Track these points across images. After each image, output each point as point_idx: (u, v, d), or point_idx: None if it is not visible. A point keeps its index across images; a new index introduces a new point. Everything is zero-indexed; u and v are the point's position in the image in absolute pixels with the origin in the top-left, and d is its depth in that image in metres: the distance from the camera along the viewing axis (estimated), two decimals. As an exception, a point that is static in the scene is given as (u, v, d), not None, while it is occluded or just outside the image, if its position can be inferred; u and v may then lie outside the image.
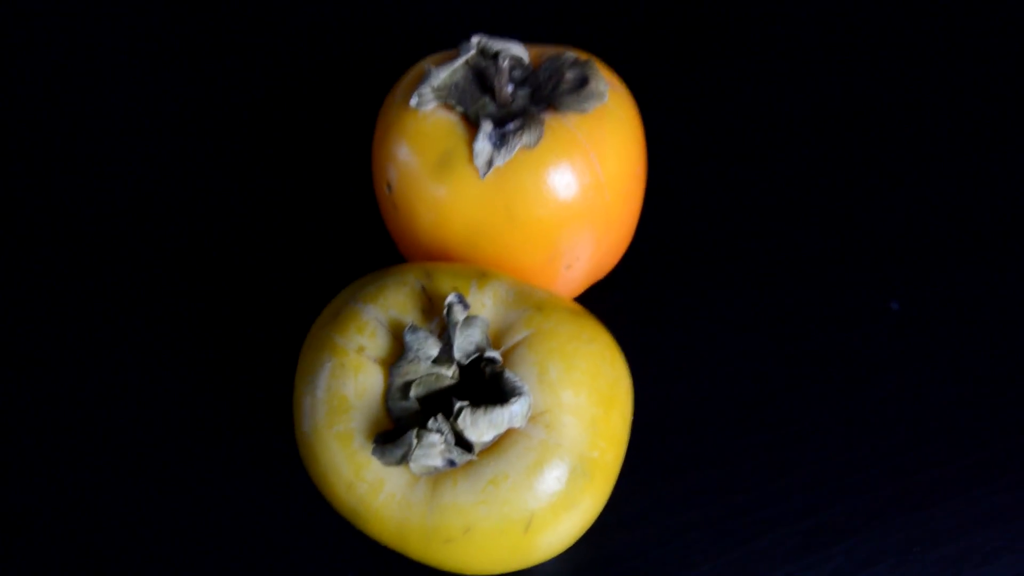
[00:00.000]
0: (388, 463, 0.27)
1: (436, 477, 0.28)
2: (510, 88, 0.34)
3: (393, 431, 0.28)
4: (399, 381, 0.28)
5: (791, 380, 0.39)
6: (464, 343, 0.28)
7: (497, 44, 0.34)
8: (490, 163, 0.32)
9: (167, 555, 0.35)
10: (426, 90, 0.34)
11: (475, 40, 0.34)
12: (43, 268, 0.43)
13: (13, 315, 0.41)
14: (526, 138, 0.32)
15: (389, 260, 0.39)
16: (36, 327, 0.41)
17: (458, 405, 0.27)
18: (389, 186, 0.35)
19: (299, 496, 0.36)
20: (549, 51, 0.36)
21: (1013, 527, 0.36)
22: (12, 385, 0.39)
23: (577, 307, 0.31)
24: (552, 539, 0.29)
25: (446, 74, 0.34)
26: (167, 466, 0.37)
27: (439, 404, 0.28)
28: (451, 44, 0.37)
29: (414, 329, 0.28)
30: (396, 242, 0.38)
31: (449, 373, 0.29)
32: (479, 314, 0.29)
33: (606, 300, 0.40)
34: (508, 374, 0.28)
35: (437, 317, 0.29)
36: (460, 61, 0.34)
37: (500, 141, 0.32)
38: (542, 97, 0.34)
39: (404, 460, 0.27)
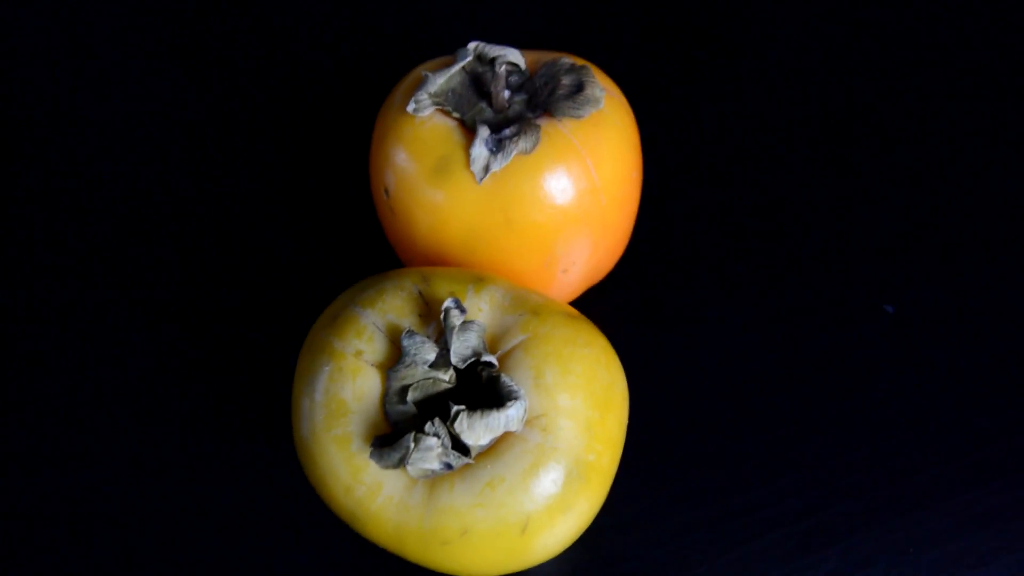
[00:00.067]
0: (386, 466, 0.28)
1: (433, 480, 0.28)
2: (507, 94, 0.35)
3: (391, 435, 0.28)
4: (396, 385, 0.29)
5: (786, 382, 0.39)
6: (461, 347, 0.28)
7: (494, 50, 0.34)
8: (487, 168, 0.33)
9: (166, 557, 0.35)
10: (423, 96, 0.34)
11: (472, 46, 0.35)
12: (43, 269, 0.43)
13: (13, 315, 0.41)
14: (523, 144, 0.33)
15: (387, 265, 0.39)
16: (36, 328, 0.41)
17: (455, 409, 0.27)
18: (387, 191, 0.35)
19: (297, 499, 0.36)
20: (545, 57, 0.36)
21: (1009, 528, 0.36)
22: (12, 385, 0.40)
23: (573, 311, 0.32)
24: (549, 541, 0.29)
25: (443, 80, 0.34)
26: (166, 469, 0.37)
27: (436, 408, 0.29)
28: (448, 50, 0.37)
29: (411, 334, 0.29)
30: (394, 247, 0.38)
31: (446, 377, 0.29)
32: (476, 319, 0.30)
33: (602, 304, 0.40)
34: (504, 378, 0.28)
35: (434, 321, 0.29)
36: (457, 67, 0.34)
37: (497, 147, 0.33)
38: (538, 103, 0.34)
39: (402, 463, 0.27)
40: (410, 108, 0.34)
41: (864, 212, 0.44)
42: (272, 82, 0.49)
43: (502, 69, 0.33)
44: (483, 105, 0.34)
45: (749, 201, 0.44)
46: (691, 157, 0.46)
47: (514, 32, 0.50)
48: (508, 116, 0.34)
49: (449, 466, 0.27)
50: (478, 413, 0.27)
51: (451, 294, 0.30)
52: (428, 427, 0.27)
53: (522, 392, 0.28)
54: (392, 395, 0.29)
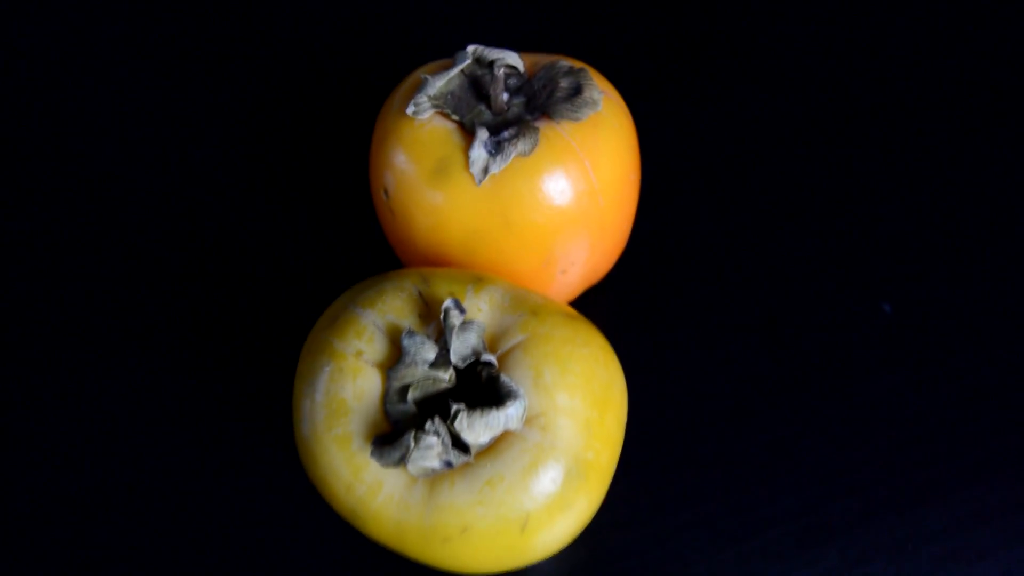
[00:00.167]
0: (386, 465, 0.28)
1: (434, 478, 0.28)
2: (505, 97, 0.35)
3: (391, 434, 0.28)
4: (397, 384, 0.29)
5: (784, 382, 0.39)
6: (460, 347, 0.29)
7: (492, 53, 0.35)
8: (486, 170, 0.33)
9: (168, 557, 0.36)
10: (422, 99, 0.34)
11: (471, 49, 0.35)
12: (43, 271, 0.43)
13: (13, 316, 0.42)
14: (521, 146, 0.33)
15: (387, 266, 0.39)
16: (36, 330, 0.41)
17: (455, 408, 0.27)
18: (386, 193, 0.35)
19: (299, 498, 0.36)
20: (544, 60, 0.36)
21: (1005, 526, 0.36)
22: (12, 385, 0.40)
23: (572, 311, 0.32)
24: (548, 539, 0.29)
25: (442, 83, 0.34)
26: (167, 469, 0.38)
27: (436, 407, 0.29)
28: (447, 53, 0.37)
29: (411, 333, 0.29)
30: (393, 248, 0.38)
31: (446, 377, 0.29)
32: (475, 319, 0.30)
33: (601, 304, 0.40)
34: (504, 377, 0.28)
35: (434, 322, 0.30)
36: (456, 70, 0.35)
37: (496, 149, 0.33)
38: (537, 105, 0.35)
39: (402, 462, 0.27)
40: (409, 111, 0.34)
41: (862, 212, 0.44)
42: (272, 84, 0.49)
43: (501, 72, 0.34)
44: (482, 108, 0.35)
45: (746, 202, 0.44)
46: (689, 158, 0.46)
47: (512, 35, 0.50)
48: (507, 118, 0.34)
49: (449, 464, 0.28)
50: (478, 412, 0.27)
51: (451, 294, 0.30)
52: (428, 426, 0.27)
53: (521, 391, 0.28)
54: (392, 394, 0.29)
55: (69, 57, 0.51)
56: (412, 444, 0.27)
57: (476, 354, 0.29)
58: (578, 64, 0.36)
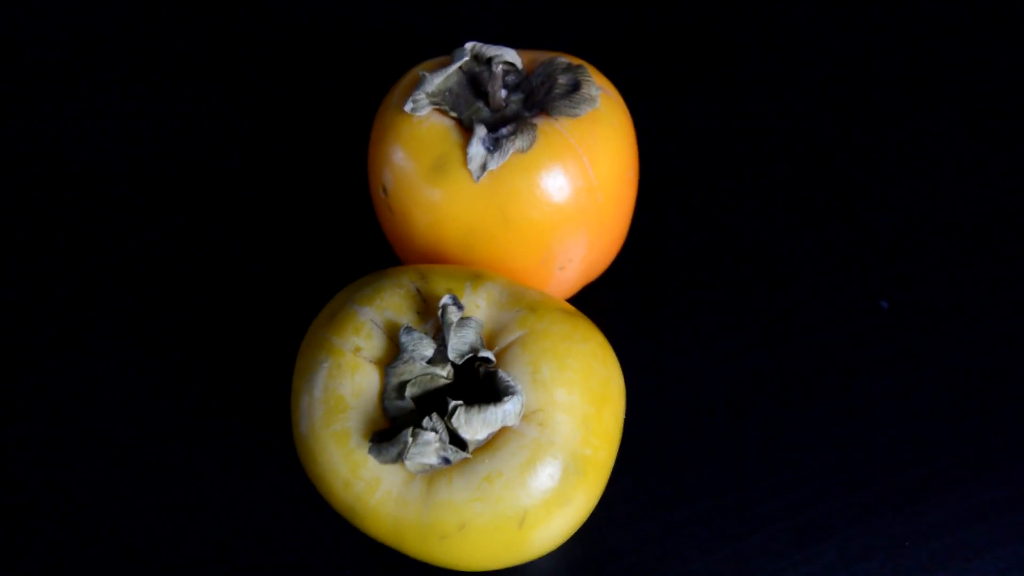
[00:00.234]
0: (384, 461, 0.28)
1: (431, 475, 0.28)
2: (503, 93, 0.35)
3: (389, 430, 0.28)
4: (395, 381, 0.29)
5: (782, 378, 0.39)
6: (458, 343, 0.29)
7: (490, 50, 0.35)
8: (484, 167, 0.33)
9: (165, 553, 0.36)
10: (421, 95, 0.34)
11: (469, 46, 0.35)
12: (41, 270, 0.43)
13: (12, 316, 0.42)
14: (519, 142, 0.33)
15: (385, 263, 0.39)
16: (35, 329, 0.41)
17: (452, 404, 0.27)
18: (385, 190, 0.35)
19: (297, 494, 0.36)
20: (542, 57, 0.36)
21: (1003, 522, 0.36)
22: (11, 385, 0.40)
23: (570, 308, 0.32)
24: (546, 535, 0.29)
25: (440, 80, 0.34)
26: (165, 465, 0.38)
27: (434, 403, 0.29)
28: (445, 50, 0.37)
29: (409, 330, 0.29)
30: (392, 245, 0.38)
31: (444, 373, 0.29)
32: (473, 315, 0.30)
33: (599, 301, 0.40)
34: (501, 373, 0.28)
35: (432, 318, 0.30)
36: (454, 67, 0.35)
37: (494, 145, 0.33)
38: (535, 102, 0.35)
39: (400, 458, 0.27)
40: (408, 108, 0.34)
41: (860, 208, 0.44)
42: (271, 81, 0.49)
43: (499, 69, 0.34)
44: (480, 104, 0.35)
45: (744, 198, 0.45)
46: (687, 155, 0.46)
47: (510, 32, 0.50)
48: (505, 115, 0.34)
49: (447, 461, 0.28)
50: (475, 408, 0.27)
51: (448, 291, 0.30)
52: (426, 422, 0.27)
53: (519, 387, 0.28)
54: (390, 391, 0.29)
55: (68, 56, 0.51)
56: (410, 440, 0.27)
57: (474, 350, 0.29)
58: (576, 61, 0.36)
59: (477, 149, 0.33)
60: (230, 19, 0.52)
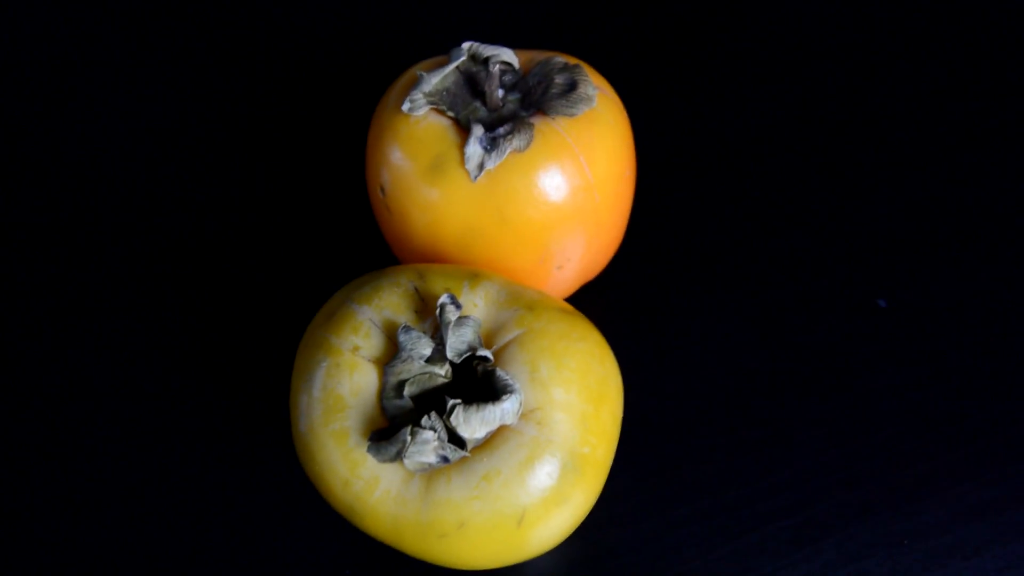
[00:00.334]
0: (383, 460, 0.28)
1: (430, 474, 0.28)
2: (500, 93, 0.35)
3: (388, 429, 0.28)
4: (393, 380, 0.29)
5: (780, 377, 0.39)
6: (456, 342, 0.29)
7: (488, 50, 0.35)
8: (481, 166, 0.33)
9: (165, 552, 0.36)
10: (418, 95, 0.34)
11: (466, 46, 0.35)
12: (40, 270, 0.43)
13: (11, 315, 0.42)
14: (516, 142, 0.33)
15: (383, 262, 0.39)
16: (34, 329, 0.41)
17: (451, 403, 0.27)
18: (382, 189, 0.35)
19: (296, 493, 0.36)
20: (539, 56, 0.36)
21: (1000, 520, 0.36)
22: (9, 385, 0.40)
23: (568, 307, 0.32)
24: (545, 534, 0.29)
25: (437, 79, 0.34)
26: (165, 465, 0.38)
27: (433, 402, 0.29)
28: (442, 50, 0.37)
29: (407, 329, 0.29)
30: (390, 244, 0.38)
31: (442, 372, 0.29)
32: (471, 314, 0.30)
33: (597, 300, 0.40)
34: (500, 372, 0.28)
35: (430, 317, 0.30)
36: (451, 67, 0.35)
37: (491, 145, 0.33)
38: (532, 102, 0.35)
39: (399, 457, 0.27)
40: (405, 107, 0.34)
41: (856, 207, 0.44)
42: (268, 82, 0.50)
43: (496, 68, 0.34)
44: (477, 104, 0.35)
45: (741, 197, 0.45)
46: (684, 154, 0.46)
47: (507, 32, 0.50)
48: (502, 115, 0.34)
49: (445, 459, 0.28)
50: (474, 407, 0.27)
51: (447, 290, 0.30)
52: (424, 421, 0.27)
53: (517, 386, 0.28)
54: (389, 390, 0.29)
55: (68, 57, 0.51)
56: (408, 439, 0.27)
57: (472, 349, 0.29)
58: (573, 60, 0.36)
59: (474, 149, 0.33)
60: (227, 19, 0.52)
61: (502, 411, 0.28)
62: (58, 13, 0.52)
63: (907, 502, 0.36)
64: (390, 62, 0.48)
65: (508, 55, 0.35)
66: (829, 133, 0.47)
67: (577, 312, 0.32)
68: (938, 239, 0.43)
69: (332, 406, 0.29)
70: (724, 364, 0.39)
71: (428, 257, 0.35)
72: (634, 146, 0.37)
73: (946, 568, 0.35)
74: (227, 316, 0.41)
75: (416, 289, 0.30)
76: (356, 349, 0.29)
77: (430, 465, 0.28)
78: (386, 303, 0.30)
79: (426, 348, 0.29)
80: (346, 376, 0.29)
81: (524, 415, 0.28)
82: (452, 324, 0.28)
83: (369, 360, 0.29)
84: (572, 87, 0.34)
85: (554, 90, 0.34)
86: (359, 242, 0.43)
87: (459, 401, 0.27)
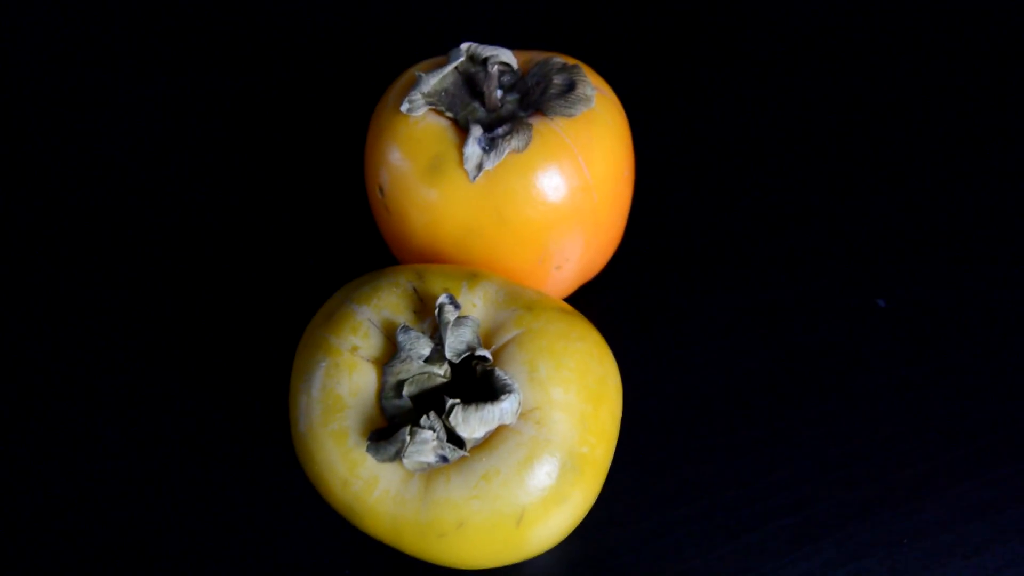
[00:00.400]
0: (382, 460, 0.28)
1: (429, 473, 0.28)
2: (499, 93, 0.35)
3: (387, 429, 0.28)
4: (392, 380, 0.29)
5: (779, 377, 0.39)
6: (455, 342, 0.29)
7: (486, 50, 0.35)
8: (480, 167, 0.33)
9: (164, 553, 0.36)
10: (417, 96, 0.34)
11: (464, 47, 0.35)
12: (39, 270, 0.43)
13: (11, 315, 0.42)
14: (515, 142, 0.33)
15: (382, 263, 0.39)
16: (32, 328, 0.41)
17: (450, 402, 0.27)
18: (381, 190, 0.35)
19: (295, 493, 0.36)
20: (537, 57, 0.36)
21: (1000, 520, 0.36)
22: (8, 384, 0.40)
23: (566, 307, 0.32)
24: (544, 533, 0.29)
25: (436, 80, 0.34)
26: (164, 466, 0.38)
27: (431, 402, 0.29)
28: (441, 51, 0.37)
29: (406, 329, 0.29)
30: (388, 244, 0.38)
31: (441, 372, 0.29)
32: (470, 314, 0.30)
33: (596, 300, 0.40)
34: (499, 372, 0.28)
35: (429, 317, 0.30)
36: (450, 67, 0.35)
37: (490, 145, 0.33)
38: (530, 102, 0.35)
39: (398, 457, 0.27)
40: (404, 108, 0.34)
41: (855, 207, 0.44)
42: (267, 82, 0.50)
43: (494, 69, 0.34)
44: (476, 105, 0.35)
45: (740, 197, 0.45)
46: (683, 154, 0.46)
47: (506, 32, 0.50)
48: (501, 115, 0.34)
49: (444, 459, 0.28)
50: (473, 406, 0.27)
51: (445, 290, 0.30)
52: (423, 420, 0.27)
53: (516, 385, 0.28)
54: (388, 390, 0.29)
55: (67, 56, 0.51)
56: (408, 439, 0.27)
57: (471, 349, 0.29)
58: (572, 61, 0.36)
59: (473, 149, 0.33)
60: (226, 19, 0.52)
61: (501, 411, 0.28)
62: (58, 13, 0.53)
63: (907, 501, 0.36)
64: (389, 63, 0.48)
65: (506, 55, 0.35)
66: (828, 133, 0.47)
67: (576, 312, 0.32)
68: (937, 238, 0.43)
69: (331, 406, 0.29)
70: (723, 363, 0.40)
71: (427, 257, 0.35)
72: (632, 146, 0.37)
73: (946, 567, 0.35)
74: (226, 316, 0.41)
75: (415, 289, 0.30)
76: (355, 349, 0.29)
77: (429, 465, 0.28)
78: (385, 303, 0.30)
79: (425, 348, 0.29)
80: (345, 376, 0.29)
81: (523, 415, 0.28)
82: (451, 324, 0.29)
83: (368, 360, 0.29)
84: (570, 87, 0.34)
85: (552, 90, 0.35)
86: (358, 242, 0.43)
87: (458, 401, 0.27)
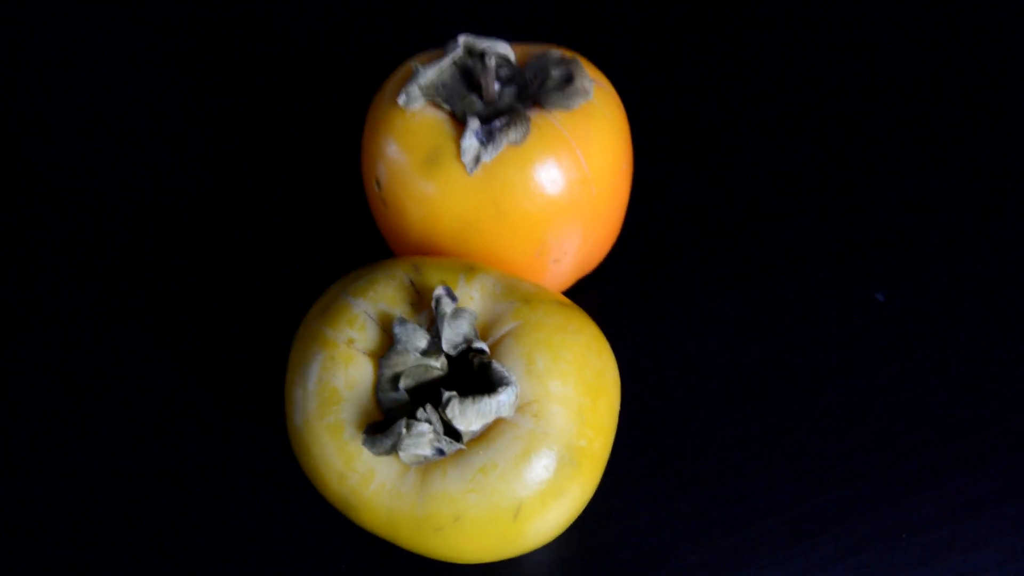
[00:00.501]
0: (378, 453, 0.28)
1: (426, 467, 0.28)
2: (497, 86, 0.35)
3: (383, 422, 0.28)
4: (389, 373, 0.29)
5: (778, 370, 0.39)
6: (452, 335, 0.29)
7: (483, 43, 0.35)
8: (477, 159, 0.33)
9: (160, 547, 0.36)
10: (414, 89, 0.34)
11: (462, 39, 0.35)
12: (38, 268, 0.43)
13: (10, 313, 0.42)
14: (513, 135, 0.33)
15: (379, 256, 0.39)
16: (31, 324, 0.41)
17: (447, 395, 0.27)
18: (378, 183, 0.35)
19: (291, 487, 0.36)
20: (535, 50, 0.36)
21: (998, 514, 0.36)
22: (8, 383, 0.40)
23: (564, 299, 0.32)
24: (541, 527, 0.29)
25: (433, 73, 0.34)
26: (160, 459, 0.37)
27: (428, 395, 0.29)
28: (438, 43, 0.37)
29: (403, 322, 0.29)
30: (386, 238, 0.38)
31: (438, 364, 0.29)
32: (467, 307, 0.30)
33: (594, 293, 0.40)
34: (496, 365, 0.28)
35: (426, 310, 0.30)
36: (447, 60, 0.35)
37: (487, 138, 0.33)
38: (528, 95, 0.35)
39: (394, 450, 0.27)
40: (401, 101, 0.34)
41: (855, 201, 0.44)
42: (264, 76, 0.49)
43: (492, 62, 0.34)
44: (473, 97, 0.35)
45: (739, 191, 0.45)
46: (681, 148, 0.46)
47: (503, 25, 0.50)
48: (498, 108, 0.34)
49: (441, 452, 0.27)
50: (470, 399, 0.27)
51: (442, 283, 0.30)
52: (420, 413, 0.27)
53: (513, 378, 0.28)
54: (384, 383, 0.29)
55: (66, 56, 0.51)
56: (404, 432, 0.27)
57: (468, 342, 0.29)
58: (569, 53, 0.36)
59: (470, 142, 0.33)
60: (223, 14, 0.52)
61: (498, 403, 0.27)
62: (58, 12, 0.52)
63: (905, 496, 0.36)
64: (386, 56, 0.48)
65: (504, 48, 0.35)
66: (827, 127, 0.47)
67: (574, 305, 0.32)
68: (936, 233, 0.43)
69: (327, 399, 0.29)
70: (722, 357, 0.39)
71: (424, 250, 0.35)
72: (631, 139, 0.37)
73: (944, 562, 0.35)
74: (222, 309, 0.41)
75: (412, 282, 0.30)
76: (351, 342, 0.29)
77: (426, 458, 0.28)
78: (381, 296, 0.30)
79: (422, 341, 0.29)
80: (341, 369, 0.29)
81: (520, 408, 0.28)
82: (448, 317, 0.28)
83: (364, 353, 0.29)
84: (568, 80, 0.34)
85: (550, 83, 0.34)
86: (355, 235, 0.43)
87: (455, 394, 0.27)
